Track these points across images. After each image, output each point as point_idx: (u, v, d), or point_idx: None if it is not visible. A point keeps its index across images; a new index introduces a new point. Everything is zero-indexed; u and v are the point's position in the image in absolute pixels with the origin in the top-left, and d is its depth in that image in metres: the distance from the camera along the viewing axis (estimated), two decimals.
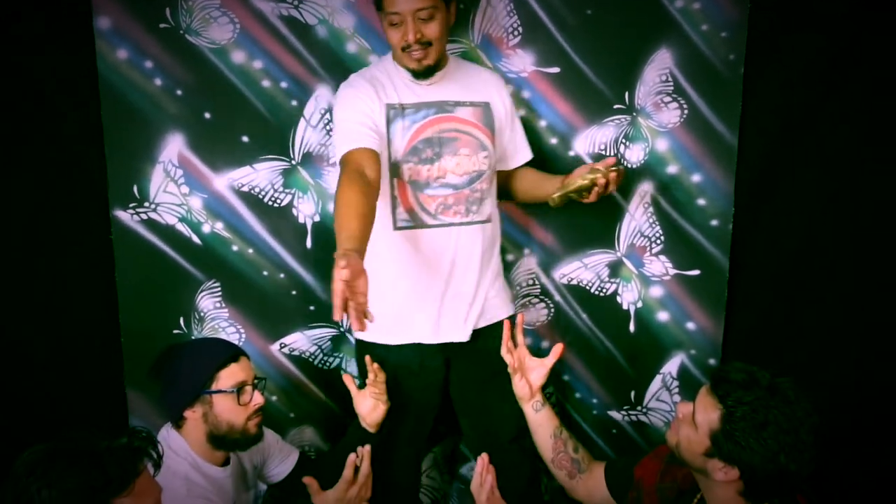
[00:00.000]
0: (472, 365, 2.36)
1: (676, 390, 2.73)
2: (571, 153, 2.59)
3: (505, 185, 2.49)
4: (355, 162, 2.07)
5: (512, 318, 2.35)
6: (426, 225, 2.25)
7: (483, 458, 1.88)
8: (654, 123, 2.57)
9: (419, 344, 2.32)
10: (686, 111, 2.55)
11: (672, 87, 2.53)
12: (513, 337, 2.23)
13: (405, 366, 2.33)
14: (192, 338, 2.61)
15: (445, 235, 2.26)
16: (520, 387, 2.15)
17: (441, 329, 2.32)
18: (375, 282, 2.04)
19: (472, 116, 2.27)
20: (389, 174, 2.22)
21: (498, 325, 2.33)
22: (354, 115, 2.17)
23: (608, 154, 2.57)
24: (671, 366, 2.73)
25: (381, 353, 2.31)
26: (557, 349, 2.14)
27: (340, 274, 1.67)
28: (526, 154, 2.47)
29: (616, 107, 2.56)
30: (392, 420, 2.34)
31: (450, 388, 2.46)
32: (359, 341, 2.41)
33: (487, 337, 2.35)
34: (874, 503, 2.72)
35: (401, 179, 2.23)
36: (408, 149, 2.21)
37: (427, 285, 2.28)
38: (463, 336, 2.32)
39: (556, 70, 2.53)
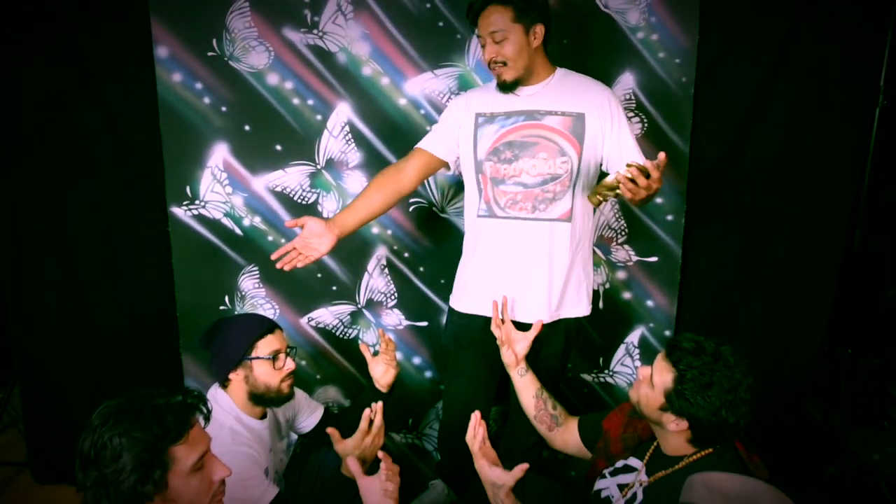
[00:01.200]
0: (531, 351, 2.15)
1: (637, 357, 2.73)
2: None
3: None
4: (412, 156, 2.19)
5: (578, 320, 2.25)
6: (496, 216, 2.15)
7: (476, 415, 1.87)
8: None
9: (484, 317, 2.22)
10: (646, 124, 2.54)
11: (634, 104, 2.52)
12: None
13: (467, 334, 2.27)
14: (235, 313, 2.63)
15: (511, 227, 2.14)
16: (507, 356, 2.13)
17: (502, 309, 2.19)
18: (463, 258, 2.27)
19: (560, 125, 2.11)
20: (475, 171, 2.16)
21: (560, 324, 2.21)
22: (442, 122, 2.21)
23: None
24: (633, 336, 2.72)
25: (453, 316, 2.30)
26: (537, 324, 2.11)
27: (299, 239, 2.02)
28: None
29: None
30: (453, 383, 2.33)
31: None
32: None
33: (550, 334, 2.21)
34: (798, 448, 2.73)
35: (484, 175, 2.15)
36: (491, 149, 2.13)
37: (494, 269, 2.18)
38: (528, 318, 2.17)
39: None
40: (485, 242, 2.19)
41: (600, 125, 2.12)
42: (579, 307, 2.24)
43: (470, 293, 2.25)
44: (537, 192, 2.12)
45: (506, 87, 2.10)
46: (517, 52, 2.05)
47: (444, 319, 2.56)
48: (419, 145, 2.20)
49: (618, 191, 1.89)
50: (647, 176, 1.83)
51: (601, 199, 1.94)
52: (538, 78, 2.13)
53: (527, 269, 2.16)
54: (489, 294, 2.18)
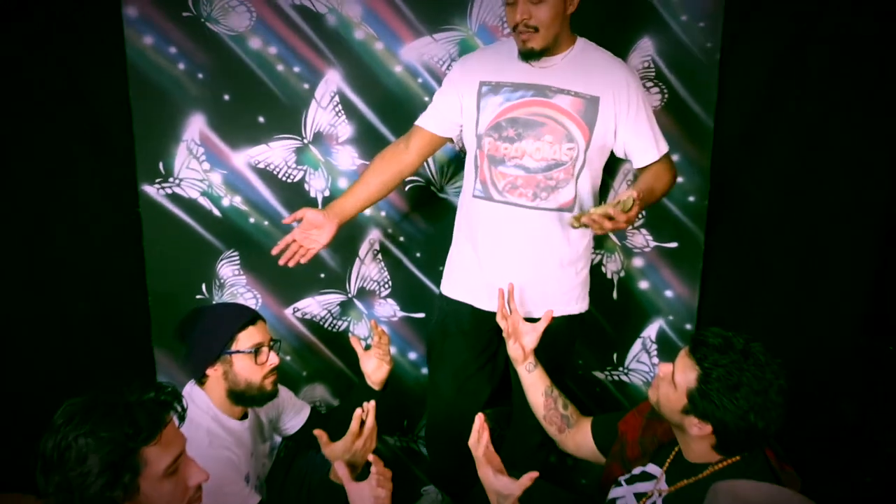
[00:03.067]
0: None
1: (655, 353, 2.72)
2: None
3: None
4: (409, 133, 2.22)
5: (578, 317, 2.27)
6: (493, 199, 2.15)
7: (479, 417, 1.86)
8: None
9: (475, 307, 2.25)
10: (666, 95, 2.52)
11: (654, 73, 2.50)
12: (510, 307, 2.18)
13: (458, 322, 2.28)
14: (214, 302, 2.62)
15: (509, 214, 2.13)
16: (513, 350, 2.12)
17: (490, 299, 2.20)
18: (456, 241, 2.29)
19: (571, 107, 2.07)
20: (476, 145, 2.14)
21: (556, 320, 2.17)
22: (442, 93, 2.21)
23: None
24: (650, 330, 2.72)
25: (441, 302, 2.32)
26: (547, 315, 2.11)
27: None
28: (651, 154, 2.17)
29: None
30: (439, 377, 2.34)
31: (498, 359, 2.39)
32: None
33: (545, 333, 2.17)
34: (832, 454, 2.73)
35: (482, 151, 2.14)
36: (492, 124, 2.10)
37: (488, 256, 2.19)
38: (526, 312, 2.18)
39: None
40: (479, 226, 2.19)
41: (615, 111, 2.10)
42: (580, 303, 2.28)
43: (461, 279, 2.27)
44: (539, 179, 2.11)
45: (531, 55, 2.04)
46: (553, 16, 1.99)
47: None
48: (418, 123, 2.21)
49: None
50: (627, 210, 1.93)
51: (582, 226, 2.00)
52: (559, 49, 2.08)
53: (524, 260, 2.17)
54: (482, 283, 2.21)
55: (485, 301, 2.24)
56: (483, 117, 2.12)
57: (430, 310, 2.65)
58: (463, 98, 2.15)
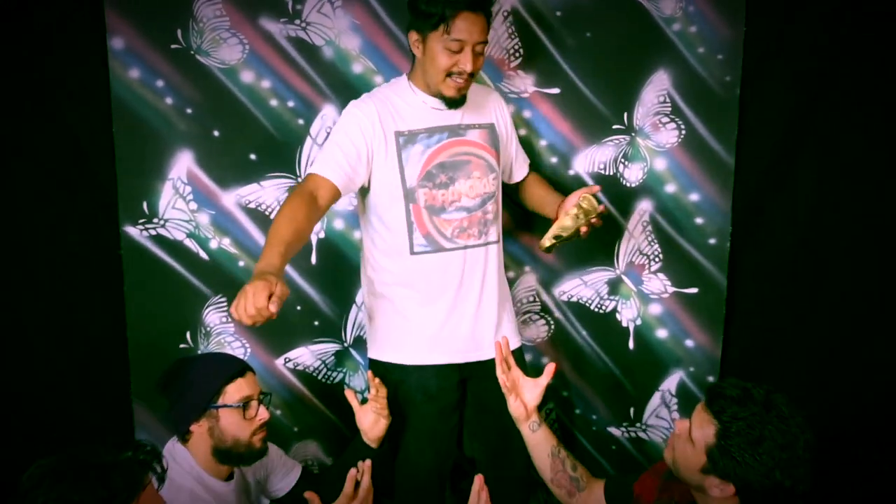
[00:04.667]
0: (491, 385, 2.17)
1: (675, 407, 2.72)
2: (571, 172, 2.60)
3: (512, 194, 2.51)
4: (314, 185, 2.09)
5: (515, 352, 2.29)
6: (443, 248, 2.23)
7: (479, 479, 1.85)
8: (653, 143, 2.58)
9: (436, 365, 2.29)
10: (684, 131, 2.56)
11: (670, 108, 2.55)
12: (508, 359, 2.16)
13: (423, 388, 2.30)
14: (199, 352, 2.61)
15: (461, 258, 2.25)
16: (515, 407, 2.09)
17: (460, 349, 2.30)
18: (394, 305, 2.27)
19: (481, 138, 2.26)
20: (405, 200, 2.20)
21: (515, 354, 2.26)
22: (345, 142, 2.14)
23: (607, 174, 2.59)
24: (670, 383, 2.72)
25: (398, 375, 2.29)
26: (550, 369, 2.09)
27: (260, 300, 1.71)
28: (525, 167, 2.49)
29: (615, 127, 2.56)
30: (413, 449, 2.33)
31: (465, 409, 2.42)
32: (373, 361, 2.36)
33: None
34: None
35: (416, 205, 2.20)
36: (422, 174, 2.19)
37: (445, 307, 2.27)
38: (486, 354, 2.29)
39: (556, 91, 2.54)
40: (433, 280, 2.25)
41: (504, 132, 2.35)
42: (518, 335, 2.44)
43: (418, 342, 2.29)
44: (479, 215, 2.26)
45: (457, 103, 2.19)
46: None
47: None
48: (324, 174, 2.10)
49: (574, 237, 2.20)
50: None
51: (556, 246, 2.21)
52: None
53: (484, 300, 2.30)
54: (443, 337, 2.27)
55: (449, 355, 2.30)
56: (410, 170, 2.18)
57: None
58: (374, 152, 2.17)
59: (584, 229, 2.20)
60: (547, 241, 2.20)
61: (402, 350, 2.30)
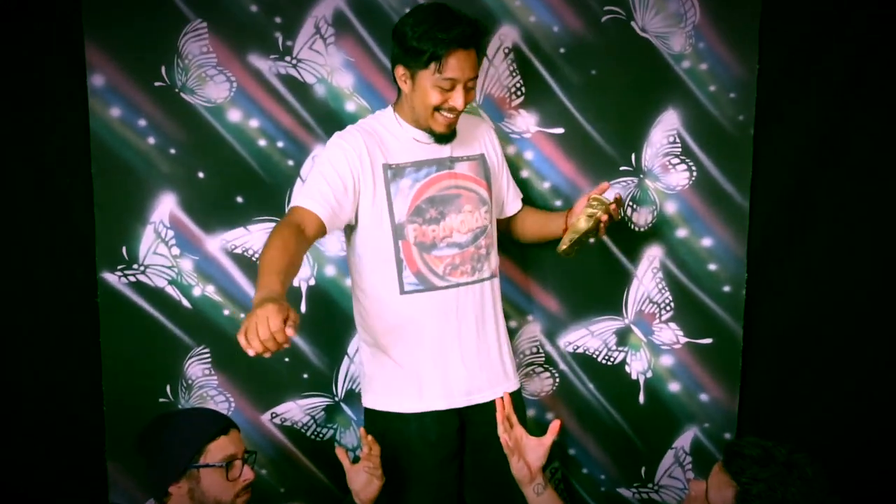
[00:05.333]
0: (492, 430, 2.12)
1: (690, 466, 2.69)
2: None
3: (507, 230, 2.50)
4: (299, 217, 2.05)
5: (514, 394, 2.31)
6: (436, 287, 2.23)
7: None
8: (663, 185, 2.57)
9: (436, 412, 2.27)
10: (695, 173, 2.56)
11: (680, 149, 2.55)
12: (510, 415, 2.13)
13: (423, 436, 2.27)
14: (179, 407, 2.59)
15: (454, 296, 2.25)
16: (518, 469, 2.05)
17: (459, 393, 2.28)
18: (387, 349, 2.27)
19: (470, 171, 2.28)
20: (393, 237, 2.19)
21: (513, 396, 2.27)
22: (331, 174, 2.12)
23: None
24: (684, 440, 2.69)
25: (396, 424, 2.27)
26: (554, 426, 2.05)
27: (275, 324, 1.63)
28: (518, 199, 2.48)
29: (622, 168, 2.56)
30: (413, 501, 2.29)
31: (464, 456, 2.38)
32: (368, 411, 2.33)
33: (516, 409, 2.20)
34: None
35: (406, 241, 2.20)
36: (411, 210, 2.19)
37: (441, 348, 2.26)
38: (486, 396, 2.29)
39: (560, 131, 2.54)
40: (424, 321, 2.24)
41: (495, 162, 2.37)
42: (516, 373, 2.43)
43: (413, 388, 2.27)
44: (472, 251, 2.26)
45: (446, 138, 2.21)
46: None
47: None
48: (308, 207, 2.07)
49: (592, 234, 2.18)
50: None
51: (572, 251, 2.20)
52: None
53: (478, 339, 2.30)
54: (440, 381, 2.26)
55: (448, 399, 2.28)
56: (398, 205, 2.19)
57: None
58: (362, 185, 2.16)
59: (604, 220, 2.16)
60: (564, 244, 2.19)
61: (397, 397, 2.27)
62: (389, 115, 2.25)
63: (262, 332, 1.63)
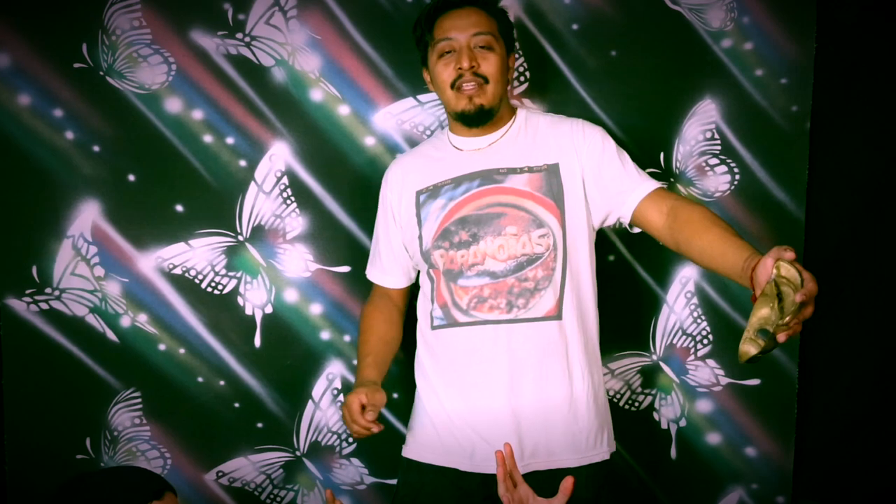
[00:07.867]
0: None
1: None
2: None
3: (661, 236, 2.16)
4: (381, 289, 2.37)
5: (604, 465, 2.18)
6: (458, 323, 2.17)
7: None
8: (698, 191, 2.52)
9: (457, 470, 2.20)
10: (738, 176, 2.50)
11: (719, 147, 2.49)
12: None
13: (436, 496, 2.22)
14: (101, 466, 2.54)
15: (483, 336, 2.14)
16: None
17: (481, 456, 2.17)
18: (419, 390, 2.33)
19: (528, 185, 2.15)
20: (425, 265, 2.23)
21: (564, 474, 1.95)
22: (380, 230, 2.33)
23: (636, 231, 2.43)
24: (727, 503, 2.62)
25: (415, 476, 2.25)
26: (566, 485, 1.90)
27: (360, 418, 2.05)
28: (636, 193, 2.13)
29: (649, 170, 2.42)
30: None
31: None
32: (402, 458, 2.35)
33: (548, 487, 2.02)
34: None
35: (437, 269, 2.20)
36: (438, 233, 2.18)
37: (463, 399, 2.18)
38: (530, 467, 2.14)
39: None
40: (445, 363, 2.21)
41: (580, 168, 2.16)
42: (602, 444, 2.21)
43: (431, 438, 2.24)
44: (512, 283, 2.14)
45: (478, 117, 2.15)
46: (500, 70, 2.14)
47: None
48: (378, 282, 2.38)
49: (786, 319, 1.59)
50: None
51: (763, 347, 1.56)
52: (501, 121, 2.22)
53: (514, 394, 2.15)
54: (460, 437, 2.19)
55: (472, 461, 2.19)
56: (426, 230, 2.21)
57: None
58: (404, 223, 2.26)
59: (791, 323, 1.60)
60: (750, 346, 1.58)
61: (418, 444, 2.26)
62: (441, 131, 2.32)
63: (351, 425, 2.07)
